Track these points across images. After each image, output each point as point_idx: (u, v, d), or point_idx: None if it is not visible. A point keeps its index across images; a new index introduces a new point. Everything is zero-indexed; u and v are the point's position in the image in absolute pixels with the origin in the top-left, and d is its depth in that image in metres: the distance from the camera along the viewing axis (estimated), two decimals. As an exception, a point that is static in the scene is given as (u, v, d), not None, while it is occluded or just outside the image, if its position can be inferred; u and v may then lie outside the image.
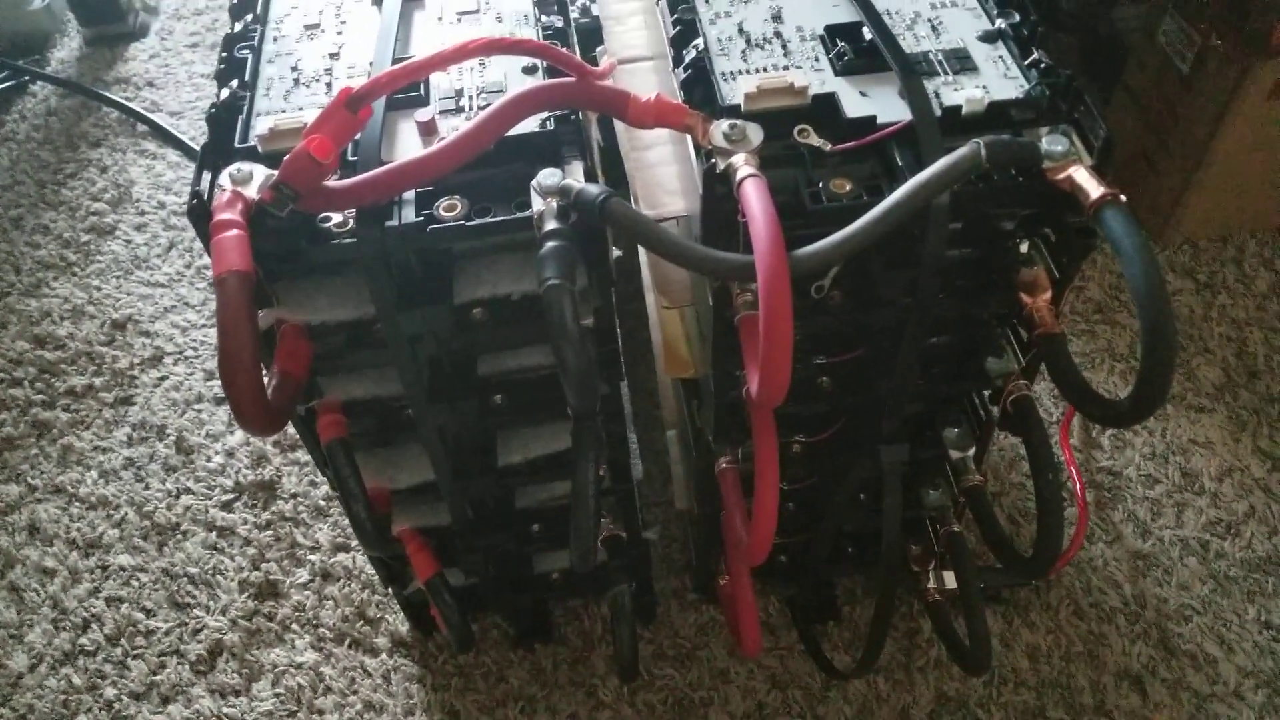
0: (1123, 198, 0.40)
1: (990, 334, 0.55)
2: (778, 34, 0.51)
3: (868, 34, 0.49)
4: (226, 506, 0.85)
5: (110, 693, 0.75)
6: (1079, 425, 0.86)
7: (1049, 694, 0.72)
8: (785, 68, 0.49)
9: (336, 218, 0.44)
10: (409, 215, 0.45)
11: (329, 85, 0.51)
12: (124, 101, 1.22)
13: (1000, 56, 0.49)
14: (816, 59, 0.49)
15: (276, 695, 0.75)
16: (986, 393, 0.60)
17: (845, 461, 0.59)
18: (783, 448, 0.50)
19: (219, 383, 0.93)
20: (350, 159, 0.46)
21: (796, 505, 0.66)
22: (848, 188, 0.44)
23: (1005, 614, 0.76)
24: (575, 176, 0.45)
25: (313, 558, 0.81)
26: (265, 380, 0.43)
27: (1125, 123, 0.97)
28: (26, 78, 1.26)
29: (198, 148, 1.16)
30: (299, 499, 0.85)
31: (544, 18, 0.53)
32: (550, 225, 0.42)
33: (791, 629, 0.76)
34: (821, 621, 0.76)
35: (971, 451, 0.60)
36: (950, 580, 0.68)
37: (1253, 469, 0.83)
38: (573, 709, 0.73)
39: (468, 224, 0.44)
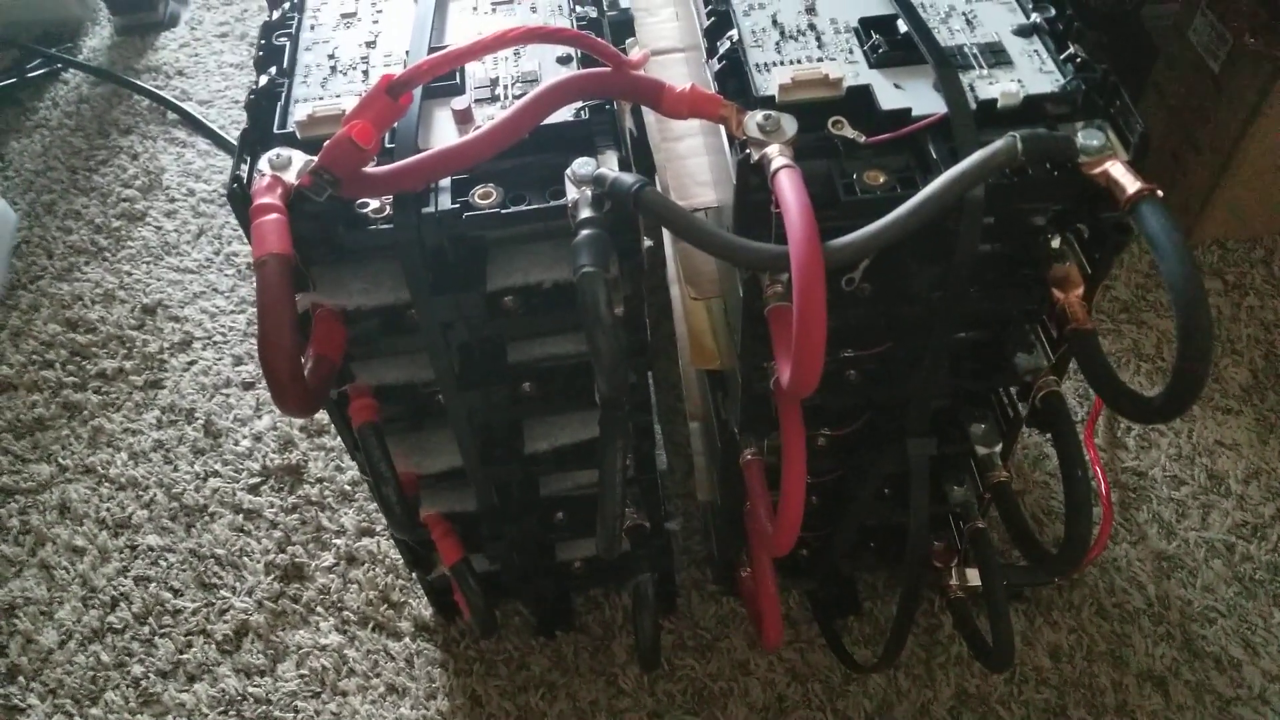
0: (1160, 193, 0.40)
1: (1020, 329, 0.54)
2: (812, 26, 0.51)
3: (902, 27, 0.49)
4: (253, 490, 0.86)
5: (138, 670, 0.77)
6: (1104, 425, 0.86)
7: (1071, 693, 0.72)
8: (819, 60, 0.49)
9: (374, 203, 0.45)
10: (445, 202, 0.45)
11: (365, 73, 0.52)
12: (155, 90, 1.23)
13: (1035, 51, 0.49)
14: (850, 51, 0.49)
15: (301, 676, 0.76)
16: (1014, 389, 0.60)
17: (871, 455, 0.59)
18: (808, 441, 0.50)
19: (247, 368, 0.95)
20: (388, 146, 0.46)
21: (820, 500, 0.66)
22: (881, 180, 0.44)
23: (1027, 612, 0.75)
24: (609, 166, 0.45)
25: (338, 542, 0.82)
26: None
27: (1154, 122, 0.96)
28: (59, 65, 1.27)
29: (227, 136, 1.19)
30: (325, 484, 0.86)
31: (578, 8, 0.54)
32: (585, 214, 0.43)
33: (812, 623, 0.76)
34: (842, 616, 0.76)
35: (998, 448, 0.60)
36: (972, 577, 0.68)
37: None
38: (593, 696, 0.73)
39: (503, 211, 0.45)
